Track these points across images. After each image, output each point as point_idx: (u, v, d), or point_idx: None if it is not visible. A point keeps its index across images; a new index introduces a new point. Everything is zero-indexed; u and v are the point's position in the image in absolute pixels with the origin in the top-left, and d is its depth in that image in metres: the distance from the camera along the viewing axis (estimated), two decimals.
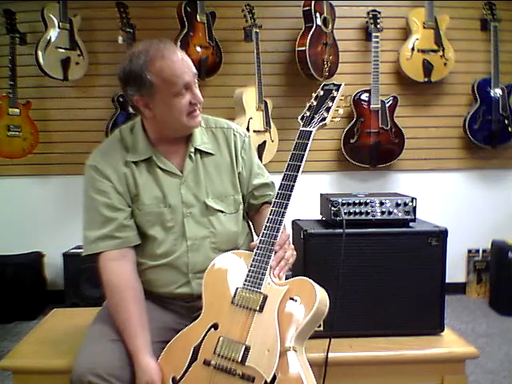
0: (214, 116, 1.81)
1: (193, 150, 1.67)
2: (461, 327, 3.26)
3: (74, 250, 3.62)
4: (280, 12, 3.79)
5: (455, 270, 3.90)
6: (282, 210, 1.52)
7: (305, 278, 1.48)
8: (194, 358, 1.44)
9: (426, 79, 3.73)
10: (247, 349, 1.39)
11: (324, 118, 1.60)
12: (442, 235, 1.85)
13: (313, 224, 1.96)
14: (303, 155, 1.57)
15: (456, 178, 4.01)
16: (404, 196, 1.96)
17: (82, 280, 3.46)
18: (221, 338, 1.43)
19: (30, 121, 3.60)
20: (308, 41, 3.54)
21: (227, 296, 1.48)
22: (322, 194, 2.06)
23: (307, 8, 3.59)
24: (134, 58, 1.54)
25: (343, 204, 1.89)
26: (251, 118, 3.55)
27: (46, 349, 1.75)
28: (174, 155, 1.68)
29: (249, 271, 1.49)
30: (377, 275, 1.84)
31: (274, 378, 1.34)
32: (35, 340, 1.85)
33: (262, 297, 1.44)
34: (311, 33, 3.55)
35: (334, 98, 1.62)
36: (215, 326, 1.46)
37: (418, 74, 3.73)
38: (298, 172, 1.55)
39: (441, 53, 3.71)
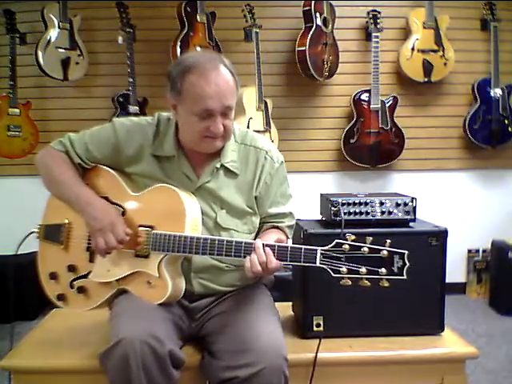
0: None
1: (219, 165, 1.66)
2: (461, 327, 3.25)
3: None
4: (280, 12, 3.79)
5: (455, 270, 3.89)
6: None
7: None
8: None
9: (426, 79, 3.73)
10: None
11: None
12: (442, 235, 1.85)
13: (313, 224, 1.96)
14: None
15: (456, 178, 4.00)
16: (404, 196, 1.96)
17: None
18: None
19: (30, 121, 3.60)
20: (308, 41, 3.54)
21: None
22: (322, 194, 2.06)
23: (307, 8, 3.59)
24: (181, 61, 1.58)
25: (343, 204, 1.89)
26: (251, 118, 3.55)
27: (46, 349, 1.75)
28: (198, 161, 1.67)
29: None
30: None
31: None
32: (35, 340, 1.84)
33: None
34: (311, 33, 3.55)
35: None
36: None
37: (418, 74, 3.73)
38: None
39: (441, 53, 3.70)
